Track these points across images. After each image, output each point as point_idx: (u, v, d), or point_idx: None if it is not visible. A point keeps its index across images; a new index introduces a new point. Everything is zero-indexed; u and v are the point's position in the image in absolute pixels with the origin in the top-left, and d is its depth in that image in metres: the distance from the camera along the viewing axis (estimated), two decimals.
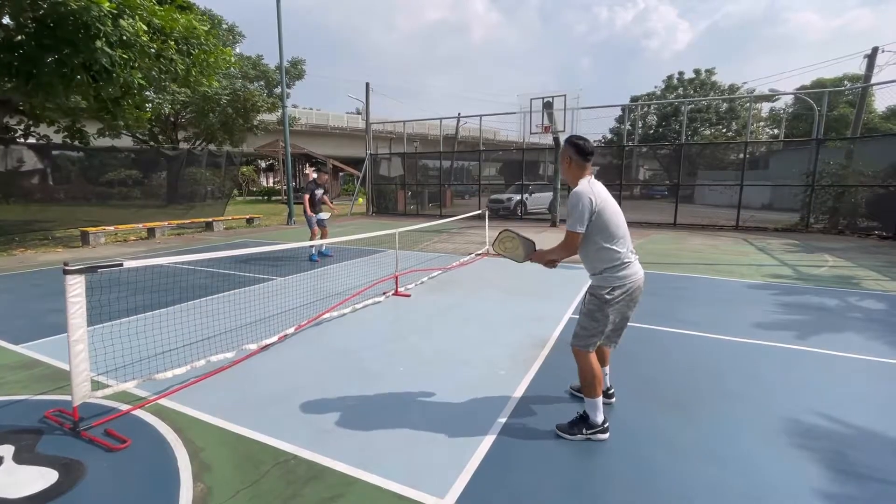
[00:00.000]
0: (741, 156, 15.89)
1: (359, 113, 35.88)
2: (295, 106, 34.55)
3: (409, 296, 5.71)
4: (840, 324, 4.72)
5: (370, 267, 7.56)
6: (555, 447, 2.53)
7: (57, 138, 13.37)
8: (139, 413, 2.87)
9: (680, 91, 33.48)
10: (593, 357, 2.59)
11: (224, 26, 19.58)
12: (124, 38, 8.05)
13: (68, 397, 2.70)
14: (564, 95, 12.75)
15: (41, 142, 13.16)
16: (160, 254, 9.05)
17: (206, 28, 10.27)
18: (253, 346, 3.78)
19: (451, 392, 3.16)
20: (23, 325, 4.67)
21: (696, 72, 33.63)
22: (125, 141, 18.07)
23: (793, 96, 27.38)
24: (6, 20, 8.57)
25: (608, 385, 3.00)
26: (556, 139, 13.45)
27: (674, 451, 2.48)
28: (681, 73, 34.23)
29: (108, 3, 7.56)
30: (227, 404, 2.97)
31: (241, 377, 3.41)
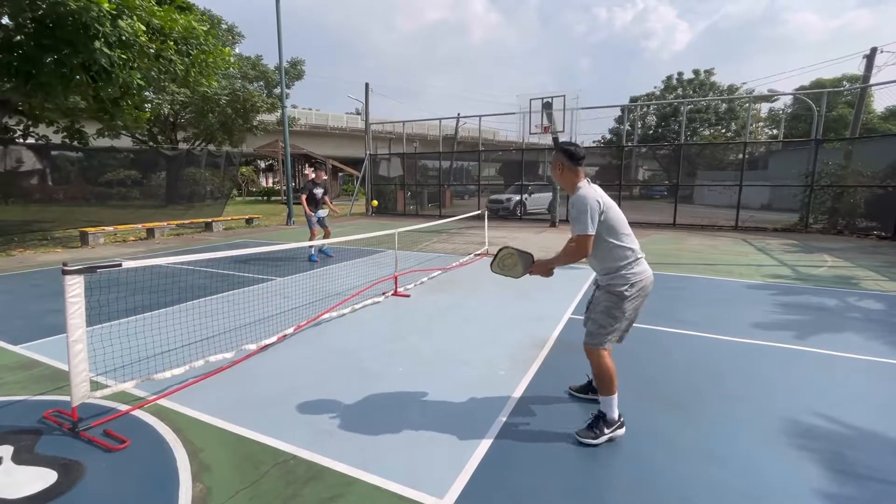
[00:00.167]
0: (740, 156, 15.91)
1: (358, 113, 35.88)
2: (294, 106, 34.60)
3: (408, 296, 5.71)
4: (839, 324, 4.73)
5: (369, 267, 7.55)
6: (554, 447, 2.53)
7: (56, 139, 13.35)
8: (138, 413, 2.86)
9: (679, 91, 33.52)
10: (608, 354, 2.57)
11: (224, 26, 19.57)
12: (123, 38, 8.05)
13: (67, 398, 2.70)
14: (564, 96, 12.75)
15: (40, 142, 13.14)
16: (159, 254, 9.04)
17: (205, 28, 10.27)
18: (252, 347, 3.77)
19: (450, 392, 3.16)
20: (22, 325, 4.66)
21: (696, 72, 33.68)
22: (124, 141, 18.06)
23: (792, 97, 27.41)
24: (5, 20, 8.56)
25: None
26: (555, 139, 13.46)
27: (673, 451, 2.48)
28: (680, 74, 34.31)
29: (107, 4, 7.55)
30: (226, 404, 2.97)
31: (241, 377, 3.41)
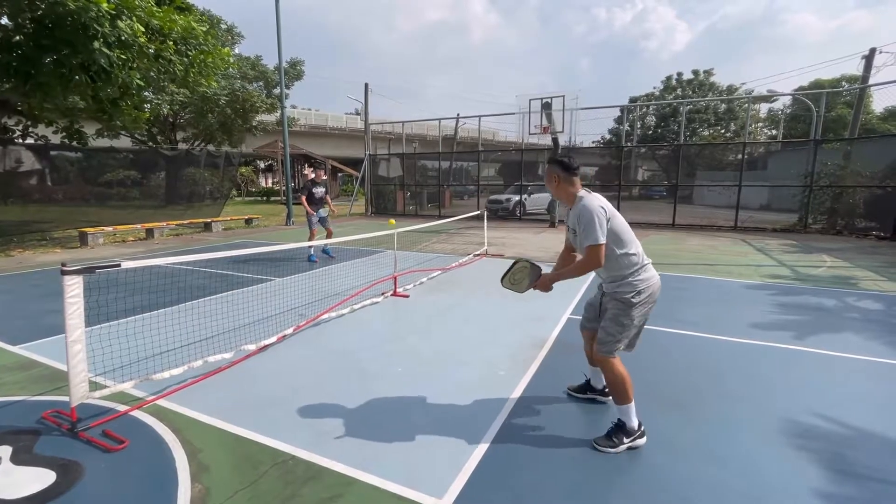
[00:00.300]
0: (739, 156, 15.92)
1: (358, 114, 35.88)
2: (294, 106, 34.57)
3: (407, 296, 5.71)
4: (838, 324, 4.73)
5: (369, 267, 7.55)
6: (554, 448, 2.53)
7: (55, 139, 13.34)
8: (137, 414, 2.86)
9: (678, 92, 33.55)
10: (620, 362, 2.54)
11: (223, 26, 19.57)
12: (122, 38, 8.04)
13: (66, 398, 2.69)
14: (563, 96, 12.76)
15: (39, 142, 13.13)
16: (158, 254, 9.04)
17: (204, 29, 10.27)
18: (251, 347, 3.77)
19: (449, 392, 3.15)
20: (21, 325, 4.65)
21: (695, 72, 33.72)
22: (124, 141, 18.05)
23: (791, 97, 27.46)
24: (4, 20, 8.55)
25: (605, 383, 3.00)
26: (554, 140, 13.46)
27: (673, 451, 2.48)
28: (679, 74, 34.34)
29: (106, 4, 7.54)
30: (225, 405, 2.97)
31: (240, 378, 3.40)
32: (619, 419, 2.55)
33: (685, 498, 2.12)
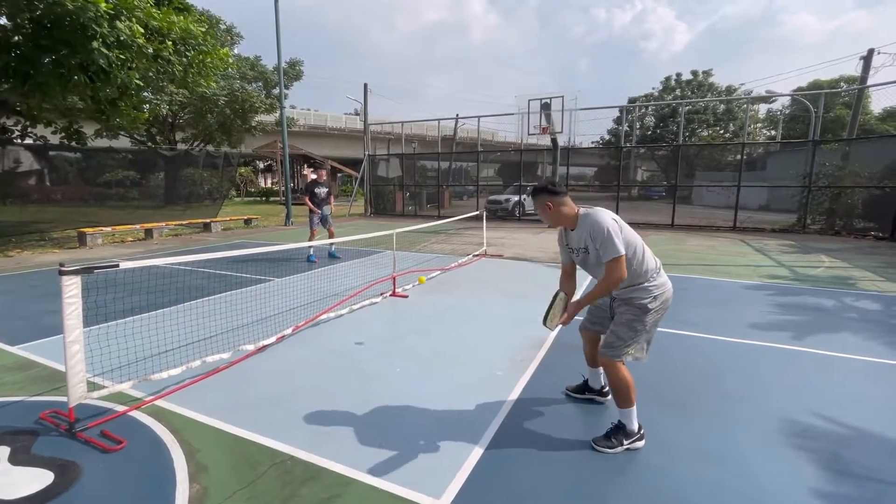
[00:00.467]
0: (738, 157, 15.93)
1: (357, 114, 35.88)
2: (293, 107, 34.56)
3: (406, 296, 5.71)
4: (836, 324, 4.74)
5: (368, 268, 7.55)
6: (552, 448, 2.53)
7: (54, 139, 13.33)
8: (135, 414, 2.86)
9: (677, 92, 33.59)
10: (624, 366, 2.54)
11: (222, 27, 19.55)
12: (121, 38, 8.04)
13: (64, 398, 2.69)
14: (562, 97, 12.78)
15: (38, 143, 13.12)
16: (157, 254, 9.03)
17: (203, 29, 10.26)
18: (250, 347, 3.77)
19: (448, 393, 3.16)
20: (19, 326, 4.65)
21: (694, 73, 33.77)
22: (123, 142, 18.03)
23: (790, 98, 27.51)
24: (3, 21, 8.55)
25: (603, 384, 3.01)
26: (554, 140, 13.48)
27: (672, 451, 2.49)
28: (678, 75, 34.39)
29: (104, 4, 7.54)
30: (224, 405, 2.97)
31: (239, 378, 3.40)
32: (619, 420, 2.55)
33: (683, 498, 2.12)
